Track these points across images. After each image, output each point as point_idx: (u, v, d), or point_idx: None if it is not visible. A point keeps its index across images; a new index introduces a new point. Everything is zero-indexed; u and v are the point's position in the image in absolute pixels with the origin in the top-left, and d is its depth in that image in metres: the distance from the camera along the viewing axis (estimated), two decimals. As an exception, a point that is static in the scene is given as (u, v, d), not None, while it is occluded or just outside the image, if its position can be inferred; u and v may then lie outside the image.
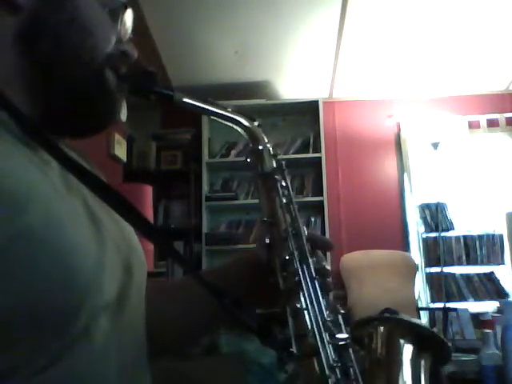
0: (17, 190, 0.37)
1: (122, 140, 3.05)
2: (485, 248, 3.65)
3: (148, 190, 2.34)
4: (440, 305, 3.39)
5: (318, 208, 3.56)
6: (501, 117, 3.81)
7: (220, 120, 0.56)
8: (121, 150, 3.02)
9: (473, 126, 3.84)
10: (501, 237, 3.63)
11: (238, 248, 3.49)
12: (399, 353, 0.62)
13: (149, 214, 2.33)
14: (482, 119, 3.82)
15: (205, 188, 3.65)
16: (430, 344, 0.64)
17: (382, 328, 0.65)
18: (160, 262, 3.10)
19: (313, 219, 3.62)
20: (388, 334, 0.65)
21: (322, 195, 3.55)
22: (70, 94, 0.49)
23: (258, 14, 2.79)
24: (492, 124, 3.82)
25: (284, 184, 0.56)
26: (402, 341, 0.63)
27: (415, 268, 3.55)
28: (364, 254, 3.57)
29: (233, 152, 3.73)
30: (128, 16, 0.55)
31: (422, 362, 0.61)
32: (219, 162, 3.77)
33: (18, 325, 0.37)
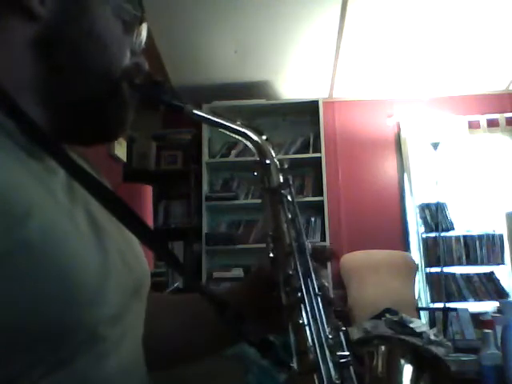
0: (15, 203, 0.37)
1: (122, 140, 3.05)
2: (485, 248, 3.66)
3: (148, 190, 2.34)
4: (440, 305, 3.38)
5: (318, 208, 3.56)
6: (501, 117, 3.81)
7: (228, 133, 0.56)
8: (121, 150, 3.02)
9: (473, 125, 3.84)
10: (501, 237, 3.63)
11: (237, 248, 3.49)
12: (399, 372, 0.63)
13: (149, 214, 2.33)
14: (482, 119, 3.83)
15: (205, 188, 3.65)
16: (429, 365, 0.64)
17: (382, 347, 0.65)
18: (160, 262, 3.09)
19: (313, 219, 3.61)
20: (388, 354, 0.65)
21: (321, 195, 3.55)
22: (84, 104, 0.50)
23: (258, 14, 2.79)
24: (492, 124, 3.82)
25: (290, 198, 0.56)
26: (402, 360, 0.64)
27: (415, 268, 3.55)
28: (364, 254, 3.57)
29: (233, 152, 3.73)
30: (143, 30, 0.56)
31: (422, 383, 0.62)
32: (219, 162, 3.77)
33: (19, 336, 0.37)
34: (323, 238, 3.48)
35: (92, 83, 0.49)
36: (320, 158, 3.61)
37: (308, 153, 3.69)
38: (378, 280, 3.38)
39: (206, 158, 3.71)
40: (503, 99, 3.89)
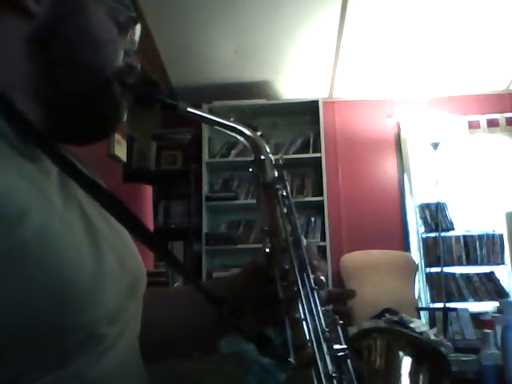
0: (10, 204, 0.37)
1: (122, 140, 3.04)
2: (485, 248, 3.66)
3: (148, 190, 2.34)
4: (440, 305, 3.39)
5: (318, 208, 3.56)
6: (501, 117, 3.81)
7: (223, 129, 0.56)
8: (121, 150, 3.02)
9: (473, 126, 3.84)
10: (501, 237, 3.63)
11: (237, 248, 3.49)
12: (398, 365, 0.63)
13: (149, 214, 2.33)
14: (482, 119, 3.83)
15: (205, 188, 3.66)
16: (429, 357, 0.64)
17: (381, 339, 0.66)
18: (160, 262, 3.09)
19: (313, 219, 3.62)
20: (387, 346, 0.65)
21: (321, 195, 3.55)
22: (76, 103, 0.50)
23: (258, 14, 2.80)
24: (492, 124, 3.82)
25: (285, 193, 0.56)
26: (401, 353, 0.64)
27: (415, 268, 3.55)
28: (364, 254, 3.57)
29: (233, 152, 3.73)
30: (136, 30, 0.56)
31: (421, 376, 0.62)
32: (219, 162, 3.77)
33: (18, 337, 0.37)
34: (323, 238, 3.48)
35: (84, 82, 0.50)
36: (320, 158, 3.61)
37: (308, 153, 3.70)
38: (378, 280, 3.38)
39: (205, 157, 3.71)
40: (503, 99, 3.89)
